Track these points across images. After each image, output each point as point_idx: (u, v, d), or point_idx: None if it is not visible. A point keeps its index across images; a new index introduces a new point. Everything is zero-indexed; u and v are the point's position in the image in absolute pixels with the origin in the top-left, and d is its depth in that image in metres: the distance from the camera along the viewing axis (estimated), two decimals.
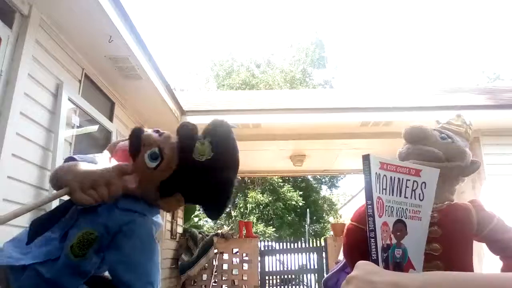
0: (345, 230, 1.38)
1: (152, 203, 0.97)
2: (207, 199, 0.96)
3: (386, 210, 0.74)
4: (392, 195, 0.79)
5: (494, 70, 22.06)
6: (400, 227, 0.81)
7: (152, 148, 0.92)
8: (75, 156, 1.00)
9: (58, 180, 0.90)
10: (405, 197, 0.83)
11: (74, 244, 0.87)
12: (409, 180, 0.84)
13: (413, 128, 1.28)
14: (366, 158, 0.73)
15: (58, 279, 0.87)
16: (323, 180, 20.79)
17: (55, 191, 0.91)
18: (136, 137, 0.93)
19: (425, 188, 0.86)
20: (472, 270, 1.14)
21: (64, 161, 1.01)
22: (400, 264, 0.78)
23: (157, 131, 0.97)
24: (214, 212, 0.99)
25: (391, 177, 0.79)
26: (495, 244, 1.16)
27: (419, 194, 0.86)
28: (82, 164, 0.91)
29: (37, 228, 0.87)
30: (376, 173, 0.74)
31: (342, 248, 1.50)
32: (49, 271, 0.87)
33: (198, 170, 0.91)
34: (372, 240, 0.66)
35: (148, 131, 0.97)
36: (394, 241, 0.78)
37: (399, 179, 0.81)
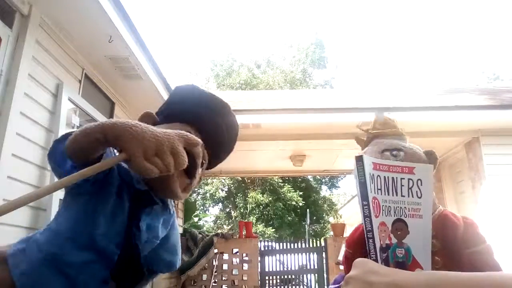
0: (343, 258, 1.39)
1: None
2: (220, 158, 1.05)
3: (383, 210, 0.74)
4: (388, 194, 0.79)
5: (493, 71, 22.10)
6: (400, 226, 0.81)
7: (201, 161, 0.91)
8: None
9: (109, 138, 0.69)
10: (402, 195, 0.83)
11: None
12: (404, 178, 0.84)
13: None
14: (359, 159, 0.73)
15: None
16: (323, 180, 20.78)
17: (112, 157, 0.71)
18: (194, 154, 0.83)
19: (421, 185, 0.86)
20: None
21: (64, 137, 0.81)
22: (404, 264, 0.78)
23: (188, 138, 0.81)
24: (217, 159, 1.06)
25: (385, 177, 0.79)
26: (480, 268, 1.10)
27: (416, 191, 0.86)
28: (142, 124, 0.72)
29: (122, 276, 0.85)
30: (370, 173, 0.75)
31: (341, 252, 1.51)
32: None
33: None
34: (371, 240, 0.66)
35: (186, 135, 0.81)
36: (394, 240, 0.78)
37: (393, 178, 0.81)
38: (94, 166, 0.68)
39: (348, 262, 1.32)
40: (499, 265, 1.13)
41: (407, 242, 0.80)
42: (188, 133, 0.76)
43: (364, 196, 0.69)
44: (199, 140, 0.77)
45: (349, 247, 1.33)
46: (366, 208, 0.69)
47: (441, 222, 1.18)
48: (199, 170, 0.90)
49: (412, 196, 0.84)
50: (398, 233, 0.80)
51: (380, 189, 0.77)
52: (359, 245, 1.23)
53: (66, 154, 0.75)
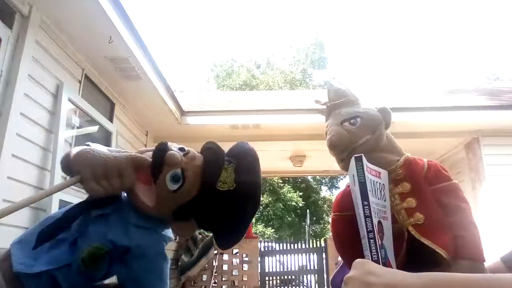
0: (330, 224, 1.38)
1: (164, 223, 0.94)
2: (221, 230, 0.93)
3: (372, 211, 0.75)
4: (373, 196, 0.80)
5: (493, 71, 22.11)
6: (381, 228, 0.82)
7: (174, 169, 0.85)
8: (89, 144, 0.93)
9: (70, 165, 0.85)
10: (378, 198, 0.85)
11: (85, 257, 0.85)
12: (378, 182, 0.86)
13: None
14: (359, 160, 0.73)
15: (73, 285, 0.86)
16: (323, 180, 20.78)
17: (67, 179, 0.86)
18: (160, 156, 0.86)
19: (385, 189, 0.89)
20: (443, 220, 1.15)
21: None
22: (385, 264, 0.79)
23: (182, 149, 0.90)
24: (224, 243, 0.95)
25: (370, 180, 0.80)
26: (443, 206, 1.16)
27: (383, 195, 0.88)
28: (95, 150, 0.84)
29: (46, 236, 0.83)
30: (366, 175, 0.75)
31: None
32: (65, 278, 0.84)
33: (218, 200, 0.86)
34: (372, 240, 0.66)
35: (172, 148, 0.89)
36: (380, 241, 0.79)
37: (374, 181, 0.83)
38: (54, 186, 0.89)
39: (335, 224, 1.30)
40: (462, 200, 1.17)
41: (384, 243, 0.82)
42: (136, 154, 0.87)
43: (364, 196, 0.69)
44: (146, 158, 0.87)
45: (342, 210, 1.27)
46: (366, 208, 0.68)
47: (408, 164, 1.23)
48: (167, 178, 0.85)
49: (381, 199, 0.87)
50: (380, 234, 0.82)
51: (371, 191, 0.78)
52: (345, 206, 1.24)
53: None
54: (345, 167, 1.23)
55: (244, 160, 0.90)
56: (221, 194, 0.85)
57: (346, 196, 1.26)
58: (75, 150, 0.86)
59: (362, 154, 0.75)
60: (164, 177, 0.84)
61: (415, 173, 1.18)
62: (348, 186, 1.29)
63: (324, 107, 1.43)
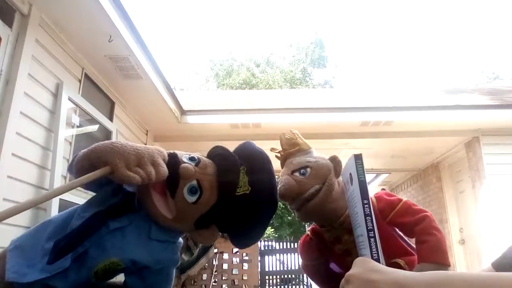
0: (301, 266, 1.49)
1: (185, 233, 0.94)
2: (240, 233, 0.95)
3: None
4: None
5: (493, 70, 22.07)
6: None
7: (190, 181, 0.84)
8: None
9: (93, 160, 0.76)
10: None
11: (99, 270, 0.83)
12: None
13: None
14: (359, 158, 0.73)
15: None
16: None
17: (93, 172, 0.74)
18: (174, 170, 0.83)
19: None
20: (403, 249, 1.18)
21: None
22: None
23: (193, 158, 0.89)
24: (242, 244, 0.97)
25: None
26: (402, 227, 1.20)
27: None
28: (121, 142, 0.79)
29: (65, 249, 0.77)
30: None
31: None
32: (60, 285, 0.81)
33: (237, 205, 0.87)
34: (372, 239, 0.66)
35: (183, 158, 0.88)
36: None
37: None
38: (80, 178, 0.74)
39: (310, 269, 1.41)
40: (420, 211, 1.17)
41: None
42: (164, 150, 0.80)
43: (364, 194, 0.69)
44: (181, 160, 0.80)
45: (310, 259, 1.39)
46: (367, 207, 0.68)
47: None
48: (184, 192, 0.84)
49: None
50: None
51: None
52: (316, 255, 1.36)
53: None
54: (300, 217, 1.24)
55: (256, 162, 0.92)
56: (238, 199, 0.86)
57: (307, 246, 1.36)
58: (92, 146, 0.78)
59: (361, 153, 0.75)
60: (181, 190, 0.84)
61: None
62: (307, 235, 1.37)
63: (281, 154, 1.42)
